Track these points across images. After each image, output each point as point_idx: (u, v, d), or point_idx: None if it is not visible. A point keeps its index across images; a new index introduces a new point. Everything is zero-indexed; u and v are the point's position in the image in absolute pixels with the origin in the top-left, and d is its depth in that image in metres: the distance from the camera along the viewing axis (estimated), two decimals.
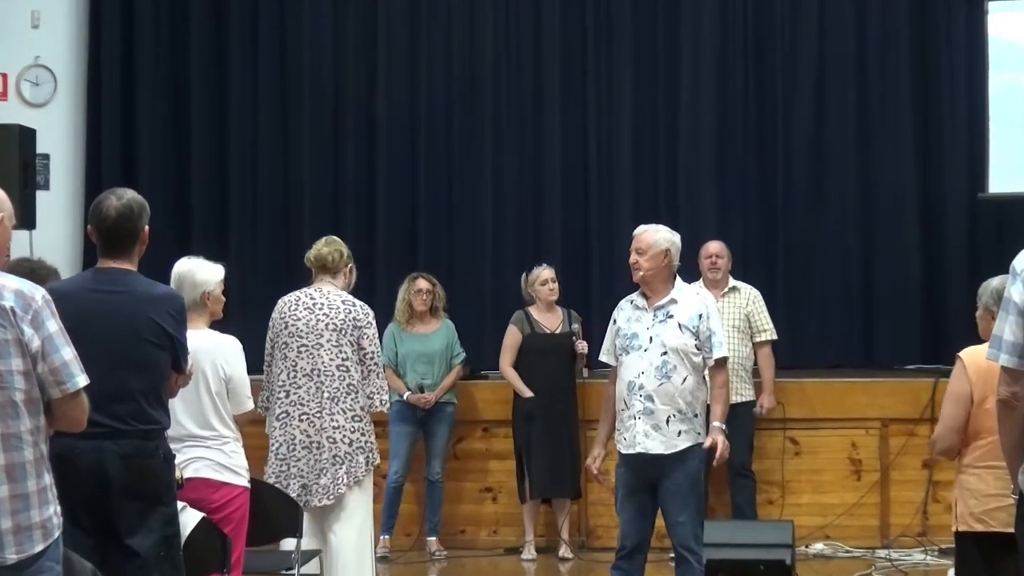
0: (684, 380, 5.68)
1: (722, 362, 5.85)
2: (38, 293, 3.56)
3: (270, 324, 6.17)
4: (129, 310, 4.31)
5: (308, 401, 6.03)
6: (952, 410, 4.64)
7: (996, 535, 4.48)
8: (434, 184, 9.68)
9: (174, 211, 9.50)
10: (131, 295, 4.35)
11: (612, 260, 8.90)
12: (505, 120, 9.70)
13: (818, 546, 8.20)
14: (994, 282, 4.66)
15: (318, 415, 6.01)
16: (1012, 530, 3.81)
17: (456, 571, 8.17)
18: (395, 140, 9.69)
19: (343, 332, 6.06)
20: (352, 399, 6.06)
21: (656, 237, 5.79)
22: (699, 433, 5.74)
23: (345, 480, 6.00)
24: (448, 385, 8.19)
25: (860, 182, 9.48)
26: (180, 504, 4.61)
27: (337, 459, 6.01)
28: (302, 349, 6.05)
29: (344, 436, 6.02)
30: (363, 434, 6.08)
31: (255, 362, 5.98)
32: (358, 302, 6.18)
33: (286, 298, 6.20)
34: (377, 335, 6.21)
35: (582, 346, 8.05)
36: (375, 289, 8.71)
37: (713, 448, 5.73)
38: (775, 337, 8.23)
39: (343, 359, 6.05)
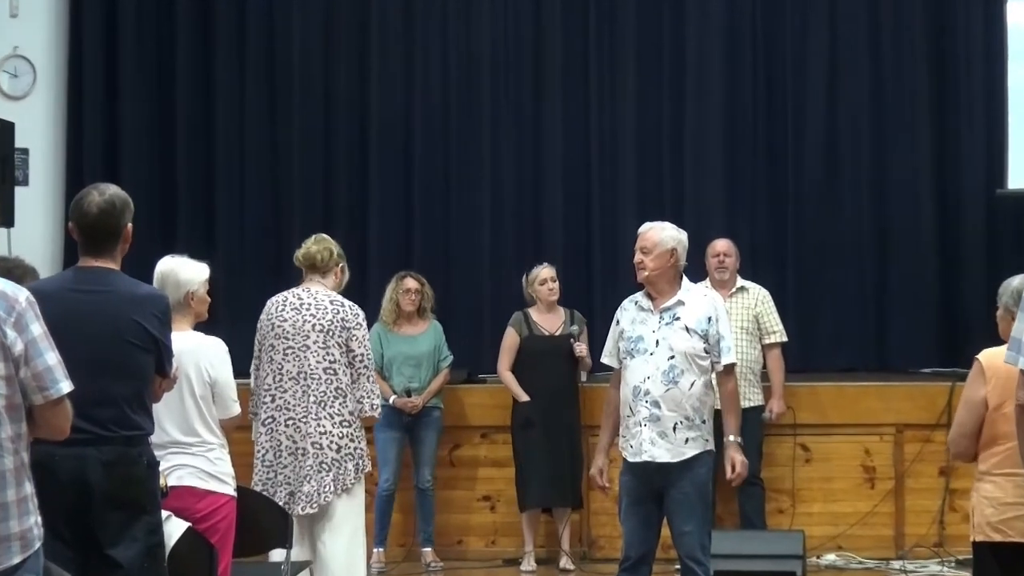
0: (692, 385, 5.68)
1: (731, 368, 5.85)
2: (22, 295, 3.56)
3: (258, 325, 6.18)
4: (111, 311, 4.31)
5: (294, 405, 6.03)
6: (965, 415, 4.65)
7: (1015, 545, 4.49)
8: (430, 180, 9.69)
9: (158, 208, 9.50)
10: (114, 295, 4.35)
11: (615, 259, 8.91)
12: (504, 114, 9.70)
13: (830, 557, 8.21)
14: (1015, 281, 4.67)
15: (304, 420, 6.01)
16: None
17: None
18: (389, 135, 9.70)
19: (330, 333, 6.06)
20: (340, 403, 6.06)
21: (662, 235, 5.78)
22: (706, 440, 5.74)
23: (332, 488, 6.00)
24: (435, 389, 8.19)
25: (874, 178, 9.49)
26: (165, 513, 4.61)
27: (323, 466, 6.00)
28: (288, 351, 6.05)
29: (331, 442, 6.02)
30: (352, 440, 6.08)
31: (242, 365, 5.99)
32: (347, 302, 6.18)
33: (274, 298, 6.21)
34: (368, 337, 6.21)
35: (580, 348, 8.03)
36: (368, 290, 8.72)
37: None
38: (785, 339, 8.23)
39: (330, 362, 6.05)
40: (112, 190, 4.40)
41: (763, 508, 8.13)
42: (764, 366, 8.18)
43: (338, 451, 6.02)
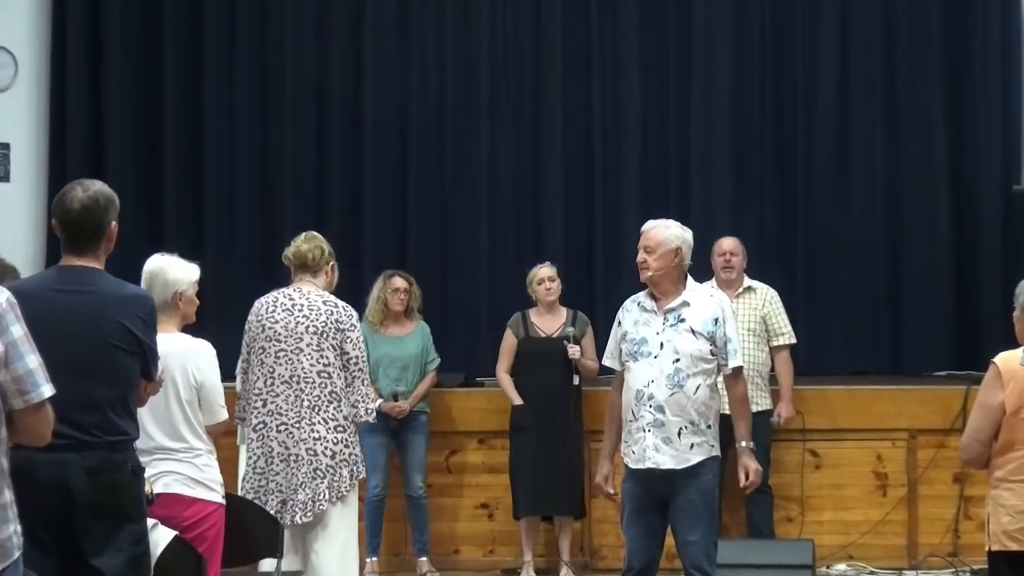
0: (697, 389, 5.67)
1: (739, 371, 5.84)
2: (2, 295, 3.54)
3: (246, 328, 6.15)
4: (95, 312, 4.30)
5: (287, 410, 6.01)
6: (980, 420, 4.65)
7: None
8: (426, 178, 9.69)
9: (145, 205, 9.50)
10: (97, 295, 4.34)
11: (618, 258, 8.91)
12: (502, 107, 9.70)
13: (840, 567, 8.21)
14: None
15: (296, 425, 6.00)
16: None
17: None
18: (383, 131, 9.69)
19: (324, 335, 6.04)
20: (335, 408, 6.05)
21: (666, 234, 5.77)
22: (712, 446, 5.73)
23: (327, 495, 5.99)
24: (422, 393, 8.18)
25: (887, 174, 9.49)
26: (150, 521, 4.61)
27: (318, 473, 5.99)
28: (280, 354, 6.04)
29: (326, 448, 6.00)
30: (347, 446, 6.07)
31: (230, 369, 6.00)
32: (340, 303, 6.17)
33: (263, 299, 6.19)
34: (362, 339, 6.20)
35: (573, 350, 7.95)
36: (361, 291, 8.70)
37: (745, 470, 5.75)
38: (794, 341, 8.23)
39: (324, 364, 6.04)
40: (97, 186, 4.40)
41: (771, 516, 8.12)
42: (772, 369, 8.17)
43: (333, 457, 6.01)
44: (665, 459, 5.66)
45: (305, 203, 9.60)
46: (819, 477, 8.36)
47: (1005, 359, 4.61)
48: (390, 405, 7.98)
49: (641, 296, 5.86)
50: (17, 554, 3.57)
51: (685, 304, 5.75)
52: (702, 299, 5.80)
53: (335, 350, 6.06)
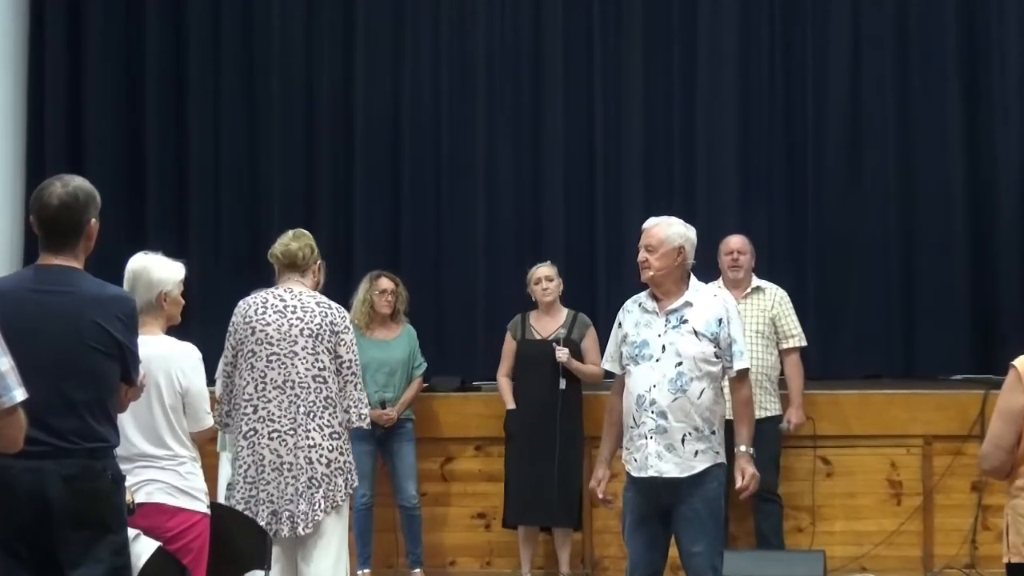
0: (701, 394, 5.66)
1: (744, 374, 5.82)
2: None
3: (231, 329, 6.12)
4: (73, 313, 4.30)
5: (280, 417, 5.99)
6: (1001, 427, 4.63)
7: None
8: (419, 173, 9.69)
9: (127, 202, 9.51)
10: (76, 296, 4.33)
11: (620, 257, 8.90)
12: (500, 100, 9.70)
13: None
14: None
15: (291, 432, 5.98)
16: None
17: None
18: (376, 124, 9.70)
19: (320, 338, 6.03)
20: (330, 414, 6.03)
21: (669, 232, 5.76)
22: (717, 453, 5.72)
23: (323, 505, 5.98)
24: (410, 399, 8.18)
25: (900, 168, 9.49)
26: (132, 532, 4.60)
27: (313, 482, 5.97)
28: (272, 358, 6.02)
29: (321, 456, 5.99)
30: (342, 453, 6.06)
31: (216, 373, 5.98)
32: (334, 304, 6.16)
33: (250, 299, 6.16)
34: (355, 341, 6.19)
35: (562, 354, 7.91)
36: (352, 292, 8.69)
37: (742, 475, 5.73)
38: (804, 343, 8.23)
39: (320, 369, 6.02)
40: (77, 182, 4.40)
41: (780, 526, 8.12)
42: (781, 373, 8.17)
43: (328, 465, 6.00)
44: (668, 467, 5.64)
45: (293, 200, 9.60)
46: (831, 485, 8.36)
47: None
48: (378, 413, 7.94)
49: (642, 296, 5.85)
50: None
51: (688, 305, 5.74)
52: (705, 299, 5.79)
53: (330, 353, 6.05)
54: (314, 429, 5.99)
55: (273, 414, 5.99)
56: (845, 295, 9.47)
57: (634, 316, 5.82)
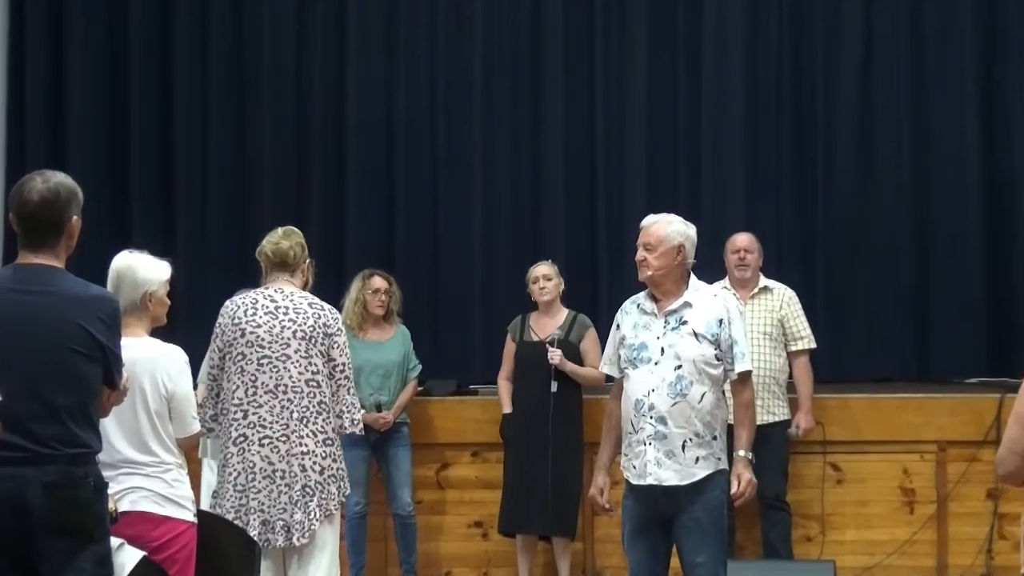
0: (702, 398, 5.64)
1: (746, 376, 5.81)
2: None
3: (217, 330, 6.12)
4: (54, 314, 4.29)
5: (271, 423, 5.99)
6: (1018, 431, 4.62)
7: None
8: (415, 169, 9.68)
9: (110, 199, 9.49)
10: (57, 296, 4.33)
11: (623, 256, 8.86)
12: (499, 95, 9.69)
13: None
14: None
15: (283, 439, 5.98)
16: None
17: None
18: (369, 119, 9.69)
19: (313, 341, 6.03)
20: (324, 419, 6.04)
21: (668, 230, 5.75)
22: (719, 459, 5.71)
23: (317, 514, 5.99)
24: (405, 402, 8.16)
25: (913, 164, 9.49)
26: (116, 541, 4.60)
27: (307, 490, 5.98)
28: (264, 361, 6.02)
29: (315, 463, 6.00)
30: (335, 460, 6.07)
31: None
32: (326, 305, 6.16)
33: (238, 300, 6.16)
34: (348, 344, 6.19)
35: (553, 355, 7.87)
36: (345, 290, 8.68)
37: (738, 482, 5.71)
38: (814, 345, 8.22)
39: (313, 372, 6.02)
40: (58, 178, 4.40)
41: (789, 535, 8.11)
42: (790, 376, 8.16)
43: (321, 473, 6.00)
44: (668, 474, 5.63)
45: (284, 197, 9.59)
46: (841, 493, 8.36)
47: None
48: (373, 416, 7.94)
49: (640, 297, 5.83)
50: None
51: (687, 305, 5.72)
52: (705, 299, 5.77)
53: (323, 357, 6.05)
54: (307, 435, 5.99)
55: (264, 419, 5.99)
56: (856, 295, 9.47)
57: (632, 318, 5.81)
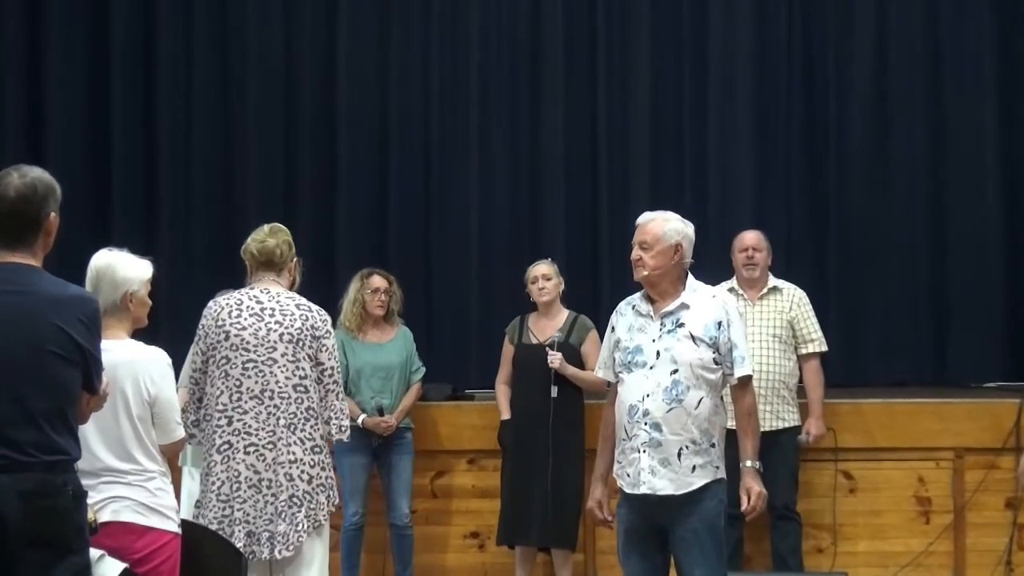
0: (699, 403, 5.62)
1: (746, 381, 5.77)
2: None
3: (200, 332, 6.12)
4: (31, 315, 4.28)
5: (257, 430, 5.98)
6: None
7: None
8: (409, 164, 9.68)
9: (90, 195, 9.50)
10: (34, 297, 4.32)
11: (626, 255, 8.82)
12: (496, 85, 9.70)
13: None
14: None
15: (270, 447, 5.97)
16: None
17: None
18: (361, 111, 9.69)
19: (300, 344, 6.02)
20: (312, 426, 6.03)
21: (665, 228, 5.73)
22: (717, 468, 5.67)
23: (305, 525, 5.98)
24: (409, 406, 8.15)
25: (931, 158, 9.50)
26: (96, 552, 4.60)
27: (294, 500, 5.97)
28: (249, 365, 6.01)
29: (302, 472, 5.99)
30: (323, 468, 6.06)
31: None
32: (314, 306, 6.15)
33: (221, 301, 6.15)
34: (336, 347, 6.18)
35: (554, 359, 7.86)
36: (335, 295, 8.68)
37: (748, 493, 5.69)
38: (825, 348, 8.21)
39: (300, 377, 6.02)
40: (35, 173, 4.39)
41: (799, 546, 8.11)
42: (800, 380, 8.16)
43: (310, 482, 6.00)
44: (663, 483, 5.61)
45: (271, 192, 9.60)
46: (853, 502, 8.36)
47: None
48: (375, 421, 7.94)
49: (636, 298, 5.82)
50: None
51: (684, 307, 5.70)
52: (703, 301, 5.75)
53: (311, 360, 6.04)
54: (295, 443, 5.98)
55: (250, 426, 5.98)
56: (869, 296, 9.48)
57: (627, 319, 5.79)
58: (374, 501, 8.18)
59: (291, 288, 6.21)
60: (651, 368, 5.64)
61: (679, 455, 5.60)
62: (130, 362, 5.12)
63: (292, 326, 6.03)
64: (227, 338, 6.03)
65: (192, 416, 6.07)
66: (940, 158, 9.50)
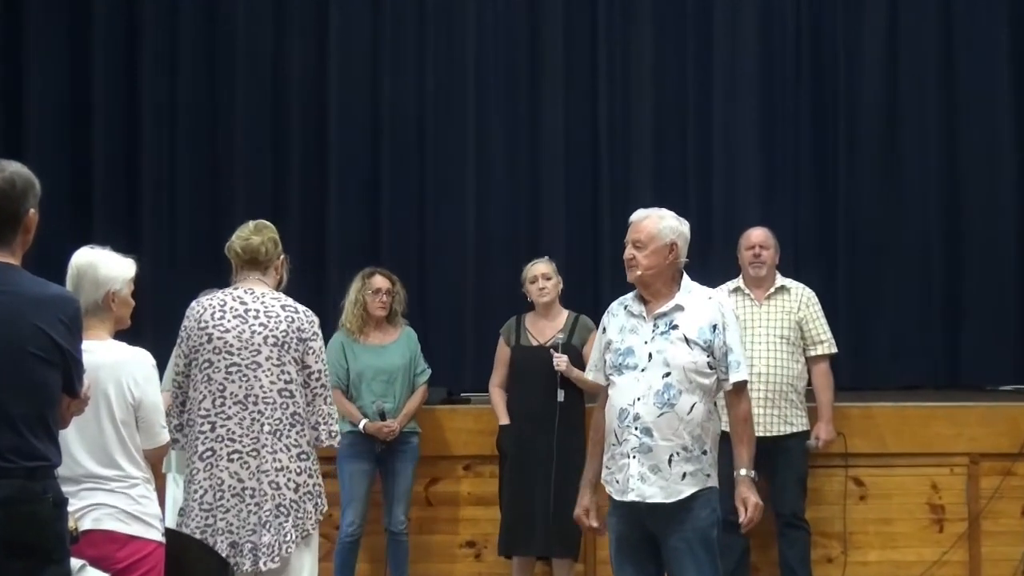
0: (691, 409, 5.59)
1: (741, 387, 5.74)
2: None
3: (182, 335, 6.09)
4: (10, 315, 4.28)
5: (241, 436, 5.96)
6: None
7: None
8: (402, 158, 9.68)
9: (71, 191, 9.49)
10: (12, 296, 4.31)
11: None
12: (493, 81, 9.70)
13: None
14: None
15: (254, 454, 5.96)
16: None
17: None
18: (353, 104, 9.69)
19: (286, 347, 6.00)
20: (298, 432, 6.01)
21: (660, 226, 5.71)
22: (708, 476, 5.63)
23: (293, 535, 5.96)
24: (413, 410, 8.13)
25: (943, 153, 9.52)
26: (77, 562, 4.59)
27: (281, 510, 5.95)
28: (232, 369, 5.99)
29: (289, 480, 5.97)
30: (311, 475, 6.04)
31: None
32: (300, 307, 6.12)
33: (204, 301, 6.12)
34: (324, 349, 6.16)
35: (560, 361, 7.83)
36: (326, 294, 8.69)
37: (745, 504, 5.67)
38: (835, 350, 8.21)
39: (286, 381, 6.00)
40: (13, 167, 4.39)
41: (808, 555, 8.11)
42: (809, 383, 8.16)
43: (296, 490, 5.98)
44: (652, 490, 5.58)
45: (259, 190, 9.60)
46: (864, 510, 8.37)
47: None
48: (377, 425, 7.92)
49: (628, 298, 5.79)
50: None
51: (678, 308, 5.68)
52: (698, 302, 5.72)
53: (297, 364, 6.02)
54: (281, 450, 5.96)
55: (233, 432, 5.96)
56: (880, 296, 9.48)
57: (619, 320, 5.76)
58: (373, 510, 8.15)
59: (277, 288, 6.18)
60: (642, 371, 5.62)
61: (669, 461, 5.57)
62: (113, 364, 5.11)
63: (277, 328, 6.01)
64: (210, 341, 6.01)
65: (175, 420, 6.05)
66: (952, 156, 9.50)
